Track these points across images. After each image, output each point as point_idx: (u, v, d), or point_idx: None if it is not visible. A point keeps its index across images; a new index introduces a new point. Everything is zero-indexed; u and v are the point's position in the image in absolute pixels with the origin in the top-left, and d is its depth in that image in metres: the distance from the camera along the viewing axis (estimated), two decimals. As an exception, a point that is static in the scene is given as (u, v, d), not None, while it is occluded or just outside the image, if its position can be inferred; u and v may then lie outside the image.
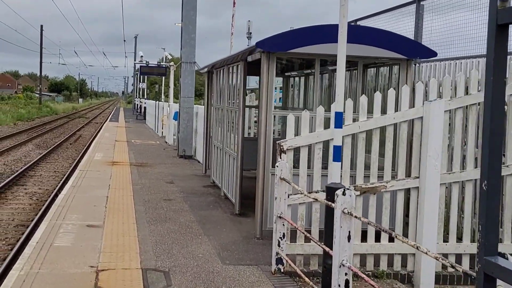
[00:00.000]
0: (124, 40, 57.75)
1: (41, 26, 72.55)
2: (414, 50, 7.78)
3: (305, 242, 6.53)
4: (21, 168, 19.46)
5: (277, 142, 6.48)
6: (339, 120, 5.77)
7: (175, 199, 10.92)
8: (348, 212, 4.43)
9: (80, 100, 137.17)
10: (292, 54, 8.15)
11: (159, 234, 7.97)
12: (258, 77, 15.43)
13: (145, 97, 57.56)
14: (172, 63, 26.40)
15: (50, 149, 25.18)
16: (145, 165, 16.07)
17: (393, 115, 6.65)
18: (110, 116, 56.59)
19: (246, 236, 8.06)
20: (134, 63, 29.16)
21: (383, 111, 7.03)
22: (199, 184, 12.91)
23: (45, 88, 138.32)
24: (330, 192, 5.62)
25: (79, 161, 18.44)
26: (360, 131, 6.63)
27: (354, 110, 6.82)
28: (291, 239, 6.56)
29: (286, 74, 13.67)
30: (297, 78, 13.32)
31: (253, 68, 9.65)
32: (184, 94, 18.96)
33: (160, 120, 29.41)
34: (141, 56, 29.13)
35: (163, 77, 35.65)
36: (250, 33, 25.20)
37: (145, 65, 28.05)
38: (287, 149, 6.45)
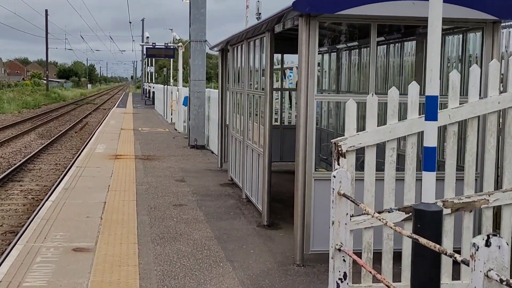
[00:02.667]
0: (130, 22, 55.61)
1: (46, 10, 70.69)
2: (507, 8, 5.69)
3: (374, 282, 4.57)
4: (19, 161, 17.67)
5: (333, 141, 4.48)
6: (433, 108, 3.76)
7: (187, 203, 8.99)
8: (498, 279, 2.45)
9: (89, 85, 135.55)
10: (341, 18, 6.12)
11: (167, 260, 6.03)
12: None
13: (154, 81, 55.61)
14: (180, 44, 24.35)
15: (53, 138, 23.40)
16: (152, 158, 14.16)
17: (497, 98, 4.61)
18: (118, 102, 54.76)
19: (282, 262, 6.10)
20: (141, 45, 27.13)
21: (464, 93, 5.02)
22: (215, 182, 10.96)
23: (54, 75, 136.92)
24: (422, 217, 3.67)
25: (82, 153, 16.57)
26: (450, 122, 4.61)
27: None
28: (353, 278, 4.61)
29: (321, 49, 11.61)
30: (336, 54, 11.21)
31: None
32: (194, 76, 16.95)
33: (169, 106, 27.47)
34: (147, 37, 27.10)
35: (171, 60, 33.63)
36: (260, 13, 23.08)
37: (151, 46, 26.01)
38: (347, 150, 4.45)
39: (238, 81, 10.18)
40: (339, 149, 4.44)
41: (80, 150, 18.61)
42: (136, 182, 10.72)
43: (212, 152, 15.80)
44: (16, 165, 16.13)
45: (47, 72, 75.76)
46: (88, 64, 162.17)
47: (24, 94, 58.62)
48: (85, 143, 20.69)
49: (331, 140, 4.51)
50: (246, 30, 8.56)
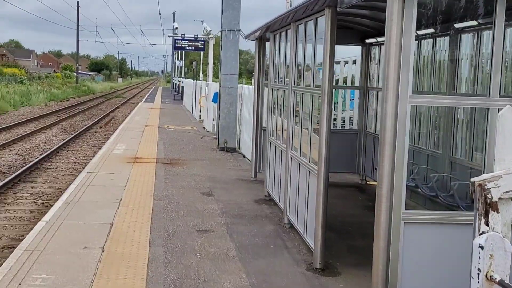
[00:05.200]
0: (160, 13, 54.05)
1: (77, 2, 69.87)
2: None
3: None
4: (36, 158, 16.12)
5: (475, 181, 2.51)
6: None
7: (214, 228, 7.11)
8: None
9: (120, 79, 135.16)
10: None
11: (183, 332, 4.16)
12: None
13: (183, 76, 54.07)
14: (211, 35, 22.50)
15: (75, 133, 21.90)
16: (176, 163, 12.34)
17: None
18: (146, 96, 53.41)
19: None
20: (170, 37, 25.43)
21: None
22: (248, 197, 9.06)
23: (86, 68, 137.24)
24: None
25: (97, 154, 14.87)
26: None
27: None
28: None
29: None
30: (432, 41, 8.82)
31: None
32: (226, 70, 15.06)
33: (198, 102, 25.70)
34: (176, 28, 25.34)
35: (202, 53, 31.89)
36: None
37: (180, 38, 24.25)
38: (502, 198, 2.47)
39: (281, 76, 8.25)
40: (487, 195, 2.46)
41: (96, 151, 17.00)
42: (154, 194, 8.90)
43: (244, 156, 13.92)
44: (31, 163, 14.58)
45: (77, 64, 75.11)
46: (120, 58, 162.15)
47: (53, 86, 57.74)
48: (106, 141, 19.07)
49: (472, 179, 2.53)
50: (295, 8, 6.59)
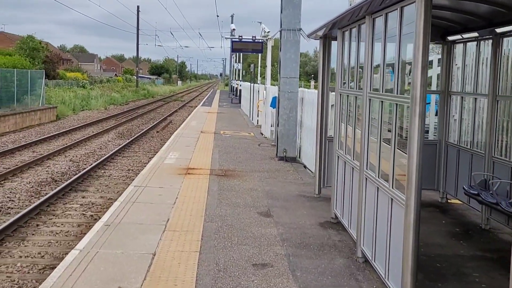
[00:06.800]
0: (217, 16, 53.54)
1: (138, 7, 70.70)
2: None
3: None
4: (90, 165, 15.60)
5: None
6: None
7: (273, 262, 5.96)
8: None
9: (179, 82, 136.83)
10: None
11: None
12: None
13: (241, 79, 53.39)
14: (269, 36, 21.40)
15: (132, 138, 21.45)
16: (231, 175, 11.29)
17: None
18: (204, 99, 53.08)
19: None
20: (226, 38, 24.58)
21: None
22: (312, 219, 7.85)
23: (147, 71, 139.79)
24: None
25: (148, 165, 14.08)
26: None
27: None
28: None
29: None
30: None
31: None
32: (285, 73, 13.92)
33: (256, 106, 24.69)
34: (233, 30, 24.40)
35: (259, 55, 30.91)
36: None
37: (237, 40, 23.25)
38: None
39: (352, 80, 7.02)
40: None
41: (151, 157, 16.26)
42: (206, 215, 7.85)
43: (305, 167, 12.72)
44: (83, 171, 14.01)
45: (137, 68, 76.09)
46: (179, 61, 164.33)
47: (113, 90, 58.48)
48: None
49: None
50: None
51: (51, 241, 8.67)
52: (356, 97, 6.72)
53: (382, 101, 5.50)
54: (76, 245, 6.47)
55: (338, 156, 7.58)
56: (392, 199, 4.97)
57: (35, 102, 29.45)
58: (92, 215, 10.22)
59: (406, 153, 4.59)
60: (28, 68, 32.78)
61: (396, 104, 5.03)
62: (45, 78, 33.28)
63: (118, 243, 6.38)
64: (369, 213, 5.78)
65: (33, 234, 8.94)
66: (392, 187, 5.00)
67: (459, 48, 9.38)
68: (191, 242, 6.52)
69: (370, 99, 5.96)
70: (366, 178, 5.91)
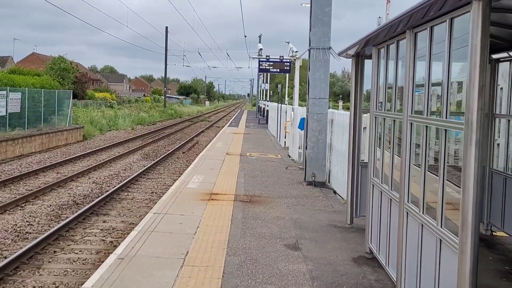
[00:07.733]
0: (245, 36, 53.56)
1: (166, 28, 71.27)
2: None
3: None
4: (113, 187, 15.21)
5: None
6: None
7: (302, 306, 5.29)
8: None
9: (207, 102, 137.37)
10: None
11: None
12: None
13: (268, 99, 52.96)
14: (297, 56, 20.89)
15: (157, 160, 21.03)
16: (256, 201, 10.66)
17: None
18: (231, 120, 52.75)
19: None
20: (254, 58, 24.12)
21: None
22: (345, 254, 7.15)
23: (176, 91, 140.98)
24: None
25: (169, 189, 13.55)
26: None
27: None
28: None
29: None
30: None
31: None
32: (314, 94, 13.31)
33: (283, 127, 24.09)
34: (261, 49, 23.98)
35: (287, 75, 30.41)
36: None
37: (265, 60, 22.83)
38: None
39: (389, 101, 6.38)
40: None
41: (176, 179, 15.75)
42: (228, 247, 7.23)
43: (335, 193, 12.02)
44: (106, 194, 13.58)
45: (164, 88, 76.53)
46: (207, 82, 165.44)
47: (141, 110, 58.68)
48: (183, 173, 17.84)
49: None
50: (412, 9, 4.70)
51: (67, 269, 8.19)
52: (394, 120, 6.06)
53: (427, 126, 4.83)
54: (84, 282, 5.91)
55: (373, 185, 6.89)
56: (441, 240, 4.28)
57: (62, 122, 29.44)
58: (112, 241, 9.72)
59: (456, 185, 3.92)
60: (57, 88, 32.90)
61: (446, 130, 4.36)
62: (74, 98, 33.37)
63: (131, 281, 5.80)
64: (411, 252, 5.08)
65: (49, 262, 8.47)
66: (441, 226, 4.31)
67: (502, 67, 8.65)
68: (211, 280, 5.90)
69: (411, 123, 5.30)
70: (407, 213, 5.22)
